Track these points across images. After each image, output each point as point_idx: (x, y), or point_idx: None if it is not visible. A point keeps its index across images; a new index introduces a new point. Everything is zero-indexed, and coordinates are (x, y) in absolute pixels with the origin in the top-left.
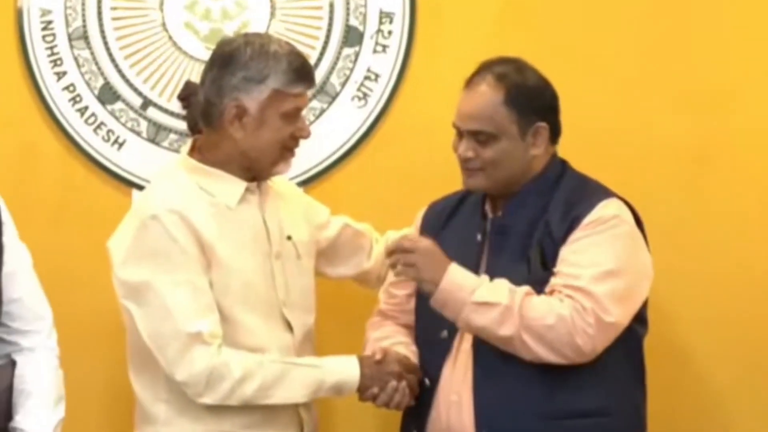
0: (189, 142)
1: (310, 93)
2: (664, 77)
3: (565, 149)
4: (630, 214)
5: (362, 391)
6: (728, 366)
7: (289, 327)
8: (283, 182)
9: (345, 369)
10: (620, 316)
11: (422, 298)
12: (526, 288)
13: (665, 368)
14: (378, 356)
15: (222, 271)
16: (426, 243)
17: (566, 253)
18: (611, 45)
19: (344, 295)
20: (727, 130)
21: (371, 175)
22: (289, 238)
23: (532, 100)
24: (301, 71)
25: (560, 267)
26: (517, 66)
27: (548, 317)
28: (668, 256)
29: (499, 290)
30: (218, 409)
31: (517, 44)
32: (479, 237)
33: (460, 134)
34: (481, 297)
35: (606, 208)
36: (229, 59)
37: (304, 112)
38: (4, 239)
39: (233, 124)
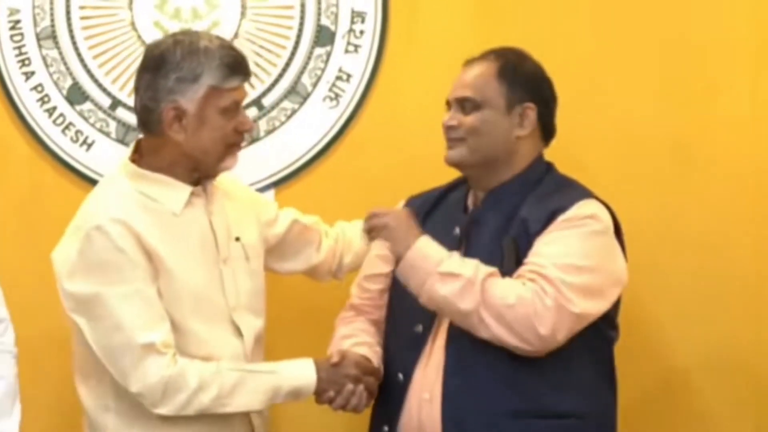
0: (131, 146)
1: (246, 84)
2: (643, 71)
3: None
4: (609, 218)
5: (319, 394)
6: (706, 366)
7: (239, 333)
8: (228, 180)
9: (301, 374)
10: (584, 309)
11: (396, 293)
12: (493, 269)
13: (640, 367)
14: (335, 359)
15: (170, 280)
16: (401, 209)
17: (537, 245)
18: (588, 41)
19: (296, 295)
20: (707, 124)
21: (343, 176)
22: (237, 239)
23: (524, 80)
24: (234, 65)
25: (529, 257)
26: (520, 52)
27: (509, 297)
28: (647, 250)
29: (465, 264)
30: (169, 418)
31: (492, 43)
32: (458, 230)
33: (449, 108)
34: (447, 267)
35: (584, 207)
36: (160, 62)
37: (245, 105)
38: None
39: (173, 127)
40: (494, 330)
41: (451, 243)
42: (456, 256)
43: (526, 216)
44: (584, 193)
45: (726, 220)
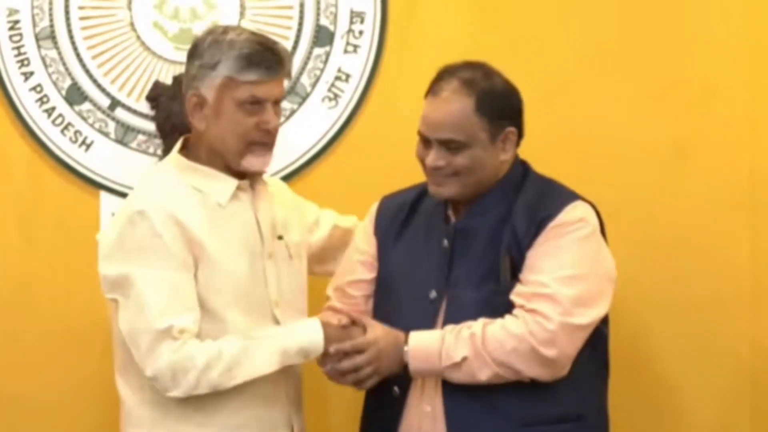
0: (180, 140)
1: (286, 84)
2: (641, 74)
3: (542, 147)
4: (596, 217)
5: (324, 354)
6: (700, 369)
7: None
8: (275, 182)
9: (308, 332)
10: (587, 320)
11: (383, 304)
12: (481, 323)
13: (633, 370)
14: (344, 321)
15: (211, 270)
16: (370, 338)
17: (532, 257)
18: (587, 42)
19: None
20: (704, 127)
21: (342, 176)
22: (280, 237)
23: (501, 106)
24: (252, 57)
25: (525, 273)
26: (484, 71)
27: (507, 343)
28: (642, 253)
29: (458, 343)
30: (205, 410)
31: (491, 44)
32: (446, 243)
33: (426, 142)
34: (447, 360)
35: (571, 212)
36: (192, 50)
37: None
38: None
39: (195, 115)
40: (511, 375)
41: (441, 257)
42: (447, 334)
43: (515, 225)
44: (569, 196)
45: (722, 223)
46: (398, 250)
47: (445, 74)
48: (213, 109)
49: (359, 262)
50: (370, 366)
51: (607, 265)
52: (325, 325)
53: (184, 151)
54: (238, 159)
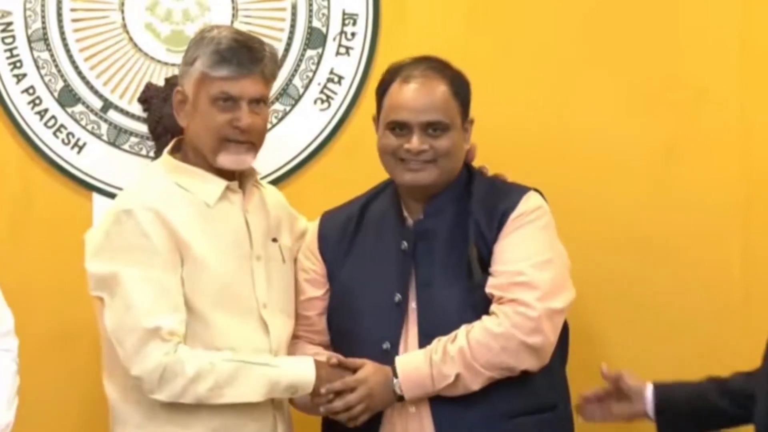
0: (173, 141)
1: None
2: (632, 76)
3: (532, 149)
4: (547, 203)
5: (316, 393)
6: (692, 373)
7: (267, 330)
8: (270, 187)
9: (300, 369)
10: (563, 303)
11: (340, 316)
12: (464, 332)
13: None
14: (334, 360)
15: (196, 269)
16: (360, 376)
17: (500, 250)
18: (579, 45)
19: None
20: (695, 128)
21: (334, 179)
22: (274, 240)
23: (466, 92)
24: (225, 53)
25: (497, 266)
26: (439, 60)
27: (494, 345)
28: (634, 256)
29: (447, 358)
30: (191, 411)
31: (484, 45)
32: (405, 244)
33: (401, 129)
34: (442, 382)
35: (529, 201)
36: (185, 50)
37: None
38: None
39: (179, 112)
40: (504, 374)
41: (401, 258)
42: (432, 354)
43: (478, 221)
44: (521, 188)
45: (714, 226)
46: (351, 262)
47: (404, 65)
48: (191, 104)
49: (305, 281)
50: (362, 403)
51: (563, 250)
52: (318, 364)
53: (176, 151)
54: (213, 156)
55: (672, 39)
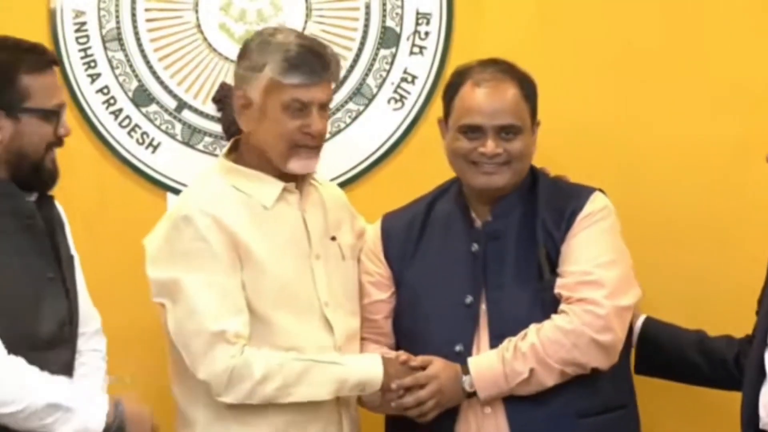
0: (229, 144)
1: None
2: (706, 75)
3: (605, 147)
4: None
5: (385, 389)
6: None
7: (330, 328)
8: (329, 185)
9: (368, 367)
10: (630, 300)
11: (408, 318)
12: (534, 330)
13: None
14: (403, 357)
15: (256, 272)
16: (431, 372)
17: (568, 250)
18: (652, 45)
19: None
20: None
21: (408, 178)
22: (333, 238)
23: (534, 94)
24: (296, 61)
25: (566, 266)
26: (506, 62)
27: (565, 342)
28: (708, 252)
29: (519, 358)
30: (257, 411)
31: (556, 43)
32: (475, 246)
33: (475, 133)
34: (515, 378)
35: (596, 202)
36: (242, 51)
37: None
38: (72, 249)
39: (242, 116)
40: (575, 371)
41: (467, 258)
42: (504, 352)
43: (545, 222)
44: (588, 189)
45: None
46: (418, 264)
47: (473, 69)
48: (259, 110)
49: (370, 283)
50: (433, 399)
51: (626, 249)
52: (386, 361)
53: (234, 153)
54: (283, 161)
55: (746, 38)
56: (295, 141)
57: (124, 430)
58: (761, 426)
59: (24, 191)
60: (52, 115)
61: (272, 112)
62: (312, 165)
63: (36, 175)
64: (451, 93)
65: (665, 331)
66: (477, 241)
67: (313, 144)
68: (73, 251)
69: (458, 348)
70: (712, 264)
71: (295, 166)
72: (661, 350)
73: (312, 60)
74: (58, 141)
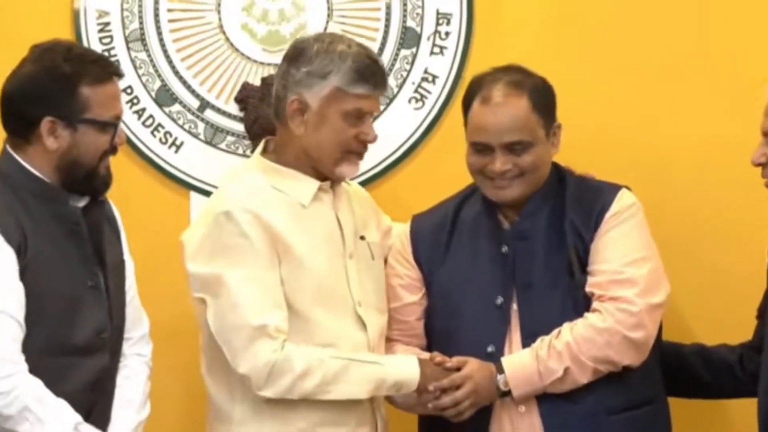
0: (262, 142)
1: (382, 99)
2: (723, 76)
3: (625, 148)
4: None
5: (421, 390)
6: None
7: (364, 326)
8: (354, 185)
9: (405, 367)
10: (661, 297)
11: (440, 320)
12: (568, 329)
13: None
14: (438, 358)
15: (295, 268)
16: (466, 372)
17: (598, 248)
18: (672, 44)
19: None
20: None
21: (428, 177)
22: (362, 238)
23: (547, 101)
24: (365, 72)
25: (596, 265)
26: (522, 71)
27: (598, 340)
28: (734, 252)
29: (554, 356)
30: (293, 407)
31: (575, 45)
32: (505, 248)
33: (484, 150)
34: (550, 377)
35: (623, 199)
36: (297, 53)
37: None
38: (125, 254)
39: (294, 119)
40: (608, 368)
41: (497, 259)
42: (538, 351)
43: (574, 221)
44: (614, 186)
45: None
46: (448, 267)
47: (484, 82)
48: (316, 115)
49: (400, 286)
50: (468, 399)
51: (655, 245)
52: (422, 362)
53: (267, 152)
54: (333, 166)
55: (763, 38)
56: (350, 148)
57: None
58: None
59: (74, 194)
60: (109, 126)
61: (331, 118)
62: (357, 170)
63: (89, 182)
64: (465, 105)
65: (664, 345)
66: (506, 242)
67: (363, 151)
68: (126, 256)
69: (490, 349)
70: (735, 262)
71: (344, 170)
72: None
73: (378, 72)
74: (113, 150)
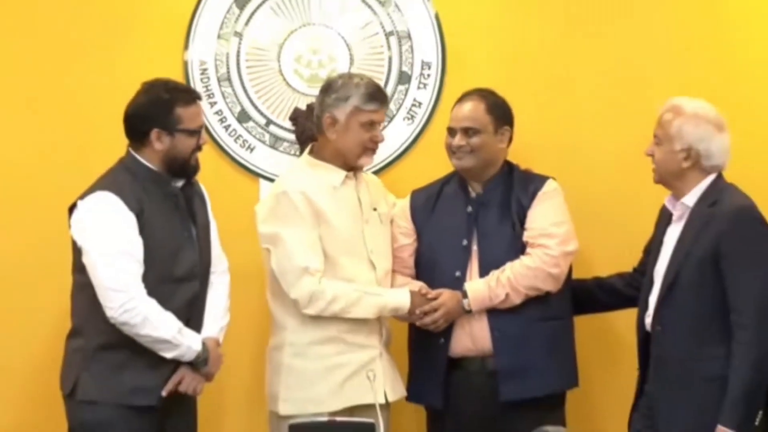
0: (309, 146)
1: (386, 114)
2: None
3: (561, 151)
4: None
5: (411, 313)
6: None
7: (374, 267)
8: (368, 174)
9: (400, 298)
10: (572, 248)
11: (426, 256)
12: (509, 267)
13: None
14: (423, 290)
15: (329, 229)
16: (441, 300)
17: (532, 215)
18: (593, 75)
19: None
20: None
21: (416, 170)
22: (375, 210)
23: (502, 112)
24: (373, 94)
25: (530, 224)
26: (491, 92)
27: (529, 274)
28: (633, 219)
29: (499, 286)
30: (327, 320)
31: (520, 78)
32: (470, 208)
33: (452, 132)
34: (496, 299)
35: (550, 185)
36: (327, 87)
37: (383, 124)
38: (209, 217)
39: (329, 130)
40: (536, 293)
41: (465, 217)
42: (490, 281)
43: (518, 195)
44: (545, 176)
45: None
46: (432, 222)
47: (467, 93)
48: (343, 126)
49: (400, 233)
50: (443, 318)
51: (569, 215)
52: (411, 294)
53: (311, 153)
54: (356, 159)
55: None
56: (367, 146)
57: (207, 360)
58: (647, 328)
59: (175, 178)
60: (195, 133)
61: (353, 127)
62: (371, 162)
63: (184, 170)
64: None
65: (574, 280)
66: (472, 205)
67: (376, 149)
68: (211, 218)
69: (458, 274)
70: (630, 223)
71: (363, 161)
72: (574, 292)
73: (382, 94)
74: (199, 148)
